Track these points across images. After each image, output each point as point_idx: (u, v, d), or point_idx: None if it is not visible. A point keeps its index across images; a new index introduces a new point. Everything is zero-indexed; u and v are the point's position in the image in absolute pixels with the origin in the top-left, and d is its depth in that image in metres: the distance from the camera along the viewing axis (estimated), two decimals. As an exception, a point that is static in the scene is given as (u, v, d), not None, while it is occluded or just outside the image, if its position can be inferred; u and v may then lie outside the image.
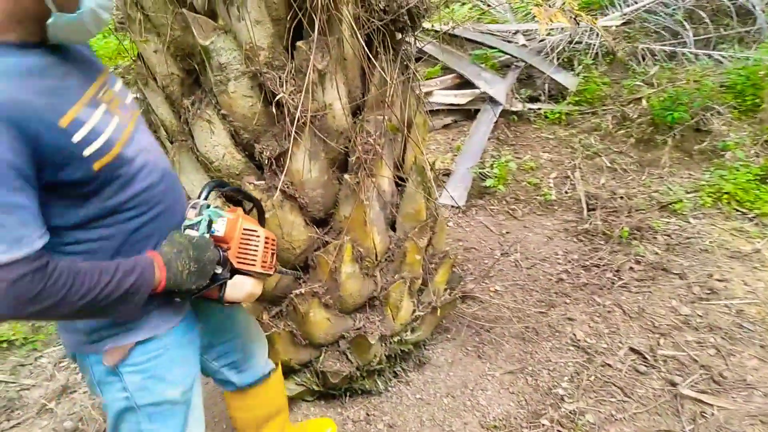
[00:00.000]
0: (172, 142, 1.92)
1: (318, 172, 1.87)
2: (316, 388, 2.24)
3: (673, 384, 2.20)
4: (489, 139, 4.29)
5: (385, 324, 2.17)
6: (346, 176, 1.89)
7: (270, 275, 1.44)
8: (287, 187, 1.84)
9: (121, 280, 1.07)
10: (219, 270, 1.27)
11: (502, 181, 3.80)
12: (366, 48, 1.90)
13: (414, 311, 2.28)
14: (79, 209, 1.09)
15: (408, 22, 1.91)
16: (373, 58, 1.93)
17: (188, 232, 1.25)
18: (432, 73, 4.78)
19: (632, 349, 2.35)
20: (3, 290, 0.93)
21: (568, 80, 4.52)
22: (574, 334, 2.48)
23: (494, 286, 2.94)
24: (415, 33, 2.00)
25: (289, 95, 1.69)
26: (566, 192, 3.75)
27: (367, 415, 2.24)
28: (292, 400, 2.31)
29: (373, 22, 1.80)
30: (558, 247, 3.19)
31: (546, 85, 4.65)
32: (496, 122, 4.35)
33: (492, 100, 4.39)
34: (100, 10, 1.05)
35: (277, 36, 1.72)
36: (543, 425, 2.05)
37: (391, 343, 2.23)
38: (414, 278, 2.18)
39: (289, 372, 2.22)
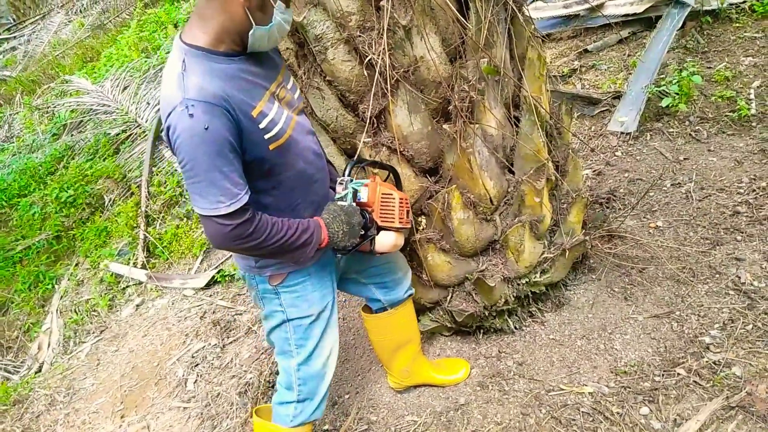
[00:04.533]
0: (297, 109, 2.16)
1: (420, 124, 1.93)
2: (449, 325, 2.39)
3: None
4: (673, 49, 3.71)
5: (508, 267, 2.18)
6: (445, 126, 1.92)
7: (408, 228, 1.78)
8: (391, 142, 1.95)
9: (301, 235, 1.45)
10: (368, 229, 1.64)
11: (684, 99, 3.29)
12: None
13: (543, 253, 2.24)
14: (258, 181, 1.43)
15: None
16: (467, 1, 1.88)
17: (339, 203, 1.59)
18: (605, -19, 4.24)
19: (812, 296, 1.97)
20: (228, 231, 1.32)
21: (787, -42, 3.59)
22: (738, 277, 2.15)
23: (656, 222, 2.67)
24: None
25: (378, 55, 1.77)
26: (771, 103, 3.11)
27: (499, 352, 2.32)
28: (431, 335, 2.50)
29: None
30: (745, 174, 2.72)
31: (757, -30, 3.77)
32: (683, 28, 3.72)
33: (677, 2, 3.75)
34: (284, 23, 1.38)
35: (365, -1, 1.78)
36: (678, 374, 1.89)
37: (518, 284, 2.24)
38: (536, 221, 2.13)
39: (422, 310, 2.40)
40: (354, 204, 1.61)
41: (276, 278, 1.61)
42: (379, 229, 1.68)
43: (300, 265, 1.59)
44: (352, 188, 1.62)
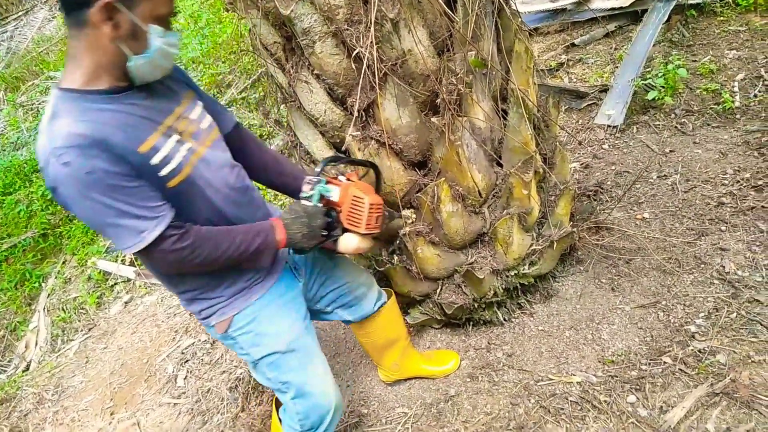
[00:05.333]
0: (286, 104, 2.16)
1: (408, 117, 1.94)
2: (438, 318, 2.40)
3: None
4: (659, 43, 3.75)
5: (497, 259, 2.20)
6: (434, 119, 1.93)
7: (375, 234, 1.66)
8: (380, 136, 1.96)
9: (254, 239, 1.40)
10: (333, 229, 1.58)
11: (670, 92, 3.33)
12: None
13: (531, 245, 2.26)
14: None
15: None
16: (454, -7, 1.89)
17: (304, 202, 1.53)
18: (592, -25, 4.27)
19: (794, 284, 2.01)
20: (168, 255, 1.27)
21: (770, -48, 3.64)
22: (723, 266, 2.18)
23: (643, 214, 2.69)
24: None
25: (366, 48, 1.77)
26: (755, 95, 3.15)
27: (488, 343, 2.34)
28: (421, 327, 2.52)
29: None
30: (730, 165, 2.76)
31: (740, -36, 3.81)
32: (668, 22, 3.76)
33: (663, -4, 3.78)
34: (168, 47, 1.25)
35: (353, -9, 1.78)
36: (664, 363, 1.92)
37: (507, 276, 2.26)
38: (524, 213, 2.14)
39: (412, 302, 2.41)
40: (319, 205, 1.54)
41: (221, 326, 1.53)
42: (345, 229, 1.62)
43: (264, 265, 1.52)
44: (319, 191, 1.55)
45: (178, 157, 1.30)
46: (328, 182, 1.59)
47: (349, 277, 1.89)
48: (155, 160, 1.25)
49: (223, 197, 1.42)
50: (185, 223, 1.31)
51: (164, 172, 1.27)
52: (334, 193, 1.58)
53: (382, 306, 2.02)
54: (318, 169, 1.58)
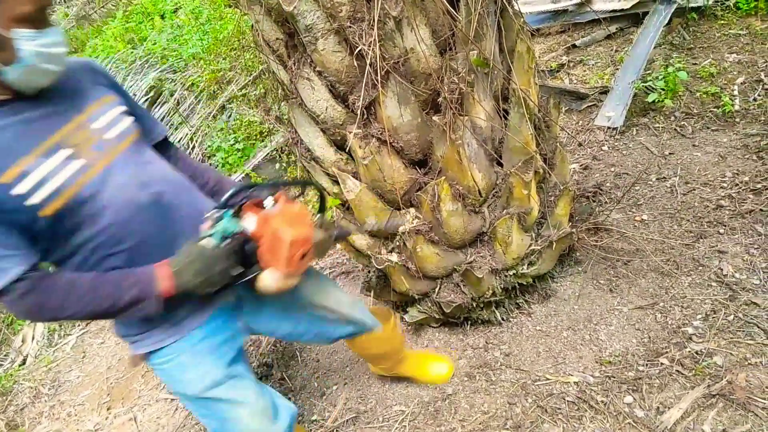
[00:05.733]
0: (287, 100, 2.16)
1: (410, 116, 1.94)
2: (437, 317, 2.41)
3: None
4: (660, 45, 3.75)
5: (496, 258, 2.20)
6: (435, 118, 1.93)
7: (301, 271, 1.37)
8: (381, 134, 1.96)
9: (123, 294, 1.19)
10: (251, 264, 1.33)
11: (670, 95, 3.34)
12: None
13: (530, 245, 2.26)
14: (52, 249, 1.20)
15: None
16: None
17: (203, 242, 1.25)
18: (593, -23, 4.27)
19: (792, 287, 2.02)
20: (17, 307, 1.14)
21: (771, -43, 3.64)
22: (721, 269, 2.19)
23: (641, 216, 2.70)
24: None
25: (369, 46, 1.77)
26: (754, 99, 3.15)
27: (486, 343, 2.34)
28: (419, 326, 2.52)
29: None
30: (729, 168, 2.76)
31: (742, -32, 3.82)
32: (669, 24, 3.77)
33: (664, -1, 3.79)
34: (47, 49, 1.11)
35: (356, -11, 1.78)
36: (661, 364, 1.93)
37: (506, 276, 2.26)
38: (523, 213, 2.15)
39: (411, 301, 2.42)
40: (221, 245, 1.26)
41: (135, 359, 1.39)
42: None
43: (152, 314, 1.25)
44: (222, 230, 1.26)
45: (60, 178, 1.14)
46: (244, 210, 1.33)
47: (309, 319, 1.65)
48: (20, 189, 1.10)
49: (127, 220, 1.23)
50: (37, 276, 1.14)
51: (34, 200, 1.11)
52: (250, 224, 1.30)
53: (359, 334, 1.87)
54: (223, 200, 1.29)
